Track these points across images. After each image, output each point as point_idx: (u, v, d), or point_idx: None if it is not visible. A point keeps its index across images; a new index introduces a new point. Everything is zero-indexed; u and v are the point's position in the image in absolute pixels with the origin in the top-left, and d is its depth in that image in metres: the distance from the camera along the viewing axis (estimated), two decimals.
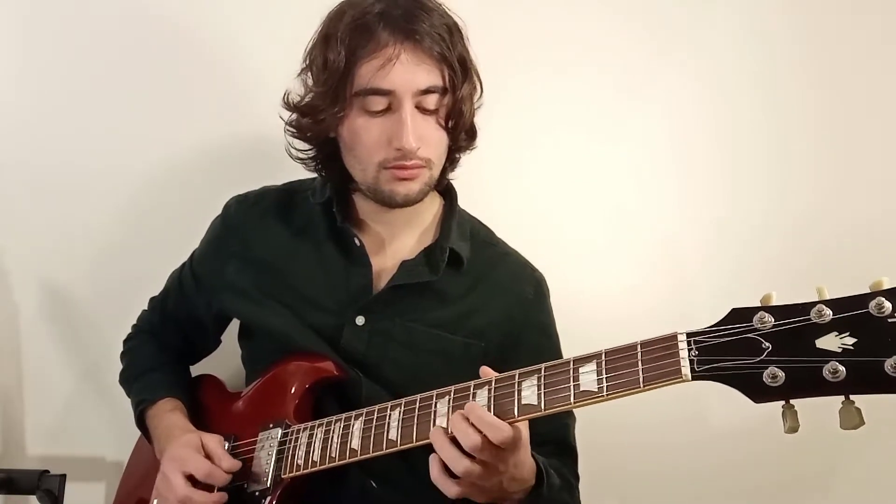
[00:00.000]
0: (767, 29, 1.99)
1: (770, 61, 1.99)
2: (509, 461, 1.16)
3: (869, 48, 1.99)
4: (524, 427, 1.17)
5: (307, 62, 1.45)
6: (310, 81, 1.44)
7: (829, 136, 1.98)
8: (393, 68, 1.33)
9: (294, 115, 1.47)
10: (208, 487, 1.36)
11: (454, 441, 1.14)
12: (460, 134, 1.45)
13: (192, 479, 1.36)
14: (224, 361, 1.74)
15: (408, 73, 1.34)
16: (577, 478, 1.47)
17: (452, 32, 1.40)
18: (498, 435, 1.11)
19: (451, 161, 1.51)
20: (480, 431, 1.11)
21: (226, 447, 1.42)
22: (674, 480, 1.92)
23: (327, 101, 1.39)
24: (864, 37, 1.99)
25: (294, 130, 1.48)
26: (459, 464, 1.13)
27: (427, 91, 1.36)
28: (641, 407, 1.81)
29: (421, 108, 1.37)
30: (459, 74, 1.39)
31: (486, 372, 1.19)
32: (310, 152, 1.51)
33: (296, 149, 1.51)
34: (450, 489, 1.17)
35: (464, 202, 1.59)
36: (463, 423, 1.13)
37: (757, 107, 1.99)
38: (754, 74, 1.98)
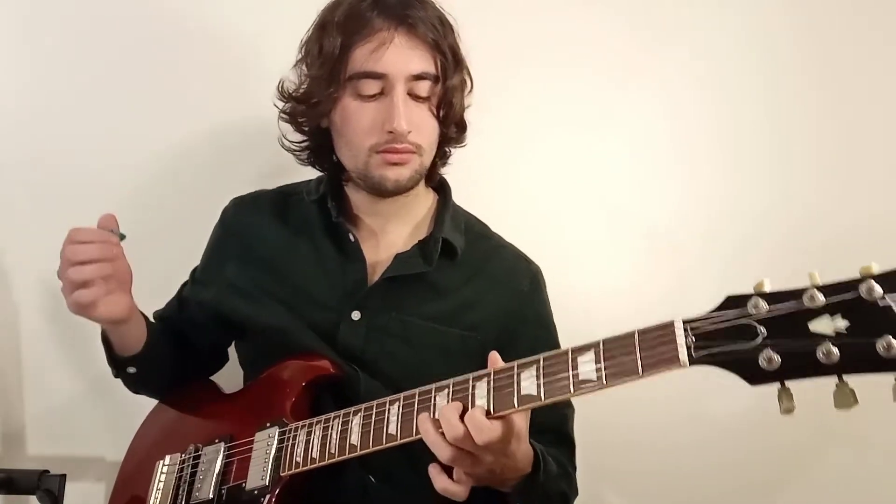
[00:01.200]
0: (769, 29, 2.00)
1: (771, 61, 2.00)
2: (498, 452, 1.14)
3: (870, 48, 2.00)
4: (522, 419, 1.16)
5: (303, 52, 1.47)
6: (305, 70, 1.46)
7: (831, 136, 1.99)
8: (386, 52, 1.36)
9: (288, 104, 1.49)
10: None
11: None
12: (451, 125, 1.47)
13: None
14: None
15: (401, 56, 1.37)
16: (574, 468, 1.47)
17: (444, 24, 1.43)
18: (480, 436, 1.09)
19: (441, 155, 1.52)
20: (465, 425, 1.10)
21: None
22: (674, 479, 1.92)
23: (321, 85, 1.41)
24: (865, 36, 2.01)
25: (287, 117, 1.50)
26: (445, 451, 1.12)
27: (419, 77, 1.39)
28: (641, 405, 1.82)
29: (413, 95, 1.40)
30: (451, 63, 1.42)
31: (495, 359, 1.17)
32: (303, 143, 1.53)
33: (289, 140, 1.53)
34: (456, 491, 1.16)
35: (463, 201, 1.60)
36: (449, 413, 1.11)
37: (758, 107, 2.00)
38: (756, 74, 2.00)
